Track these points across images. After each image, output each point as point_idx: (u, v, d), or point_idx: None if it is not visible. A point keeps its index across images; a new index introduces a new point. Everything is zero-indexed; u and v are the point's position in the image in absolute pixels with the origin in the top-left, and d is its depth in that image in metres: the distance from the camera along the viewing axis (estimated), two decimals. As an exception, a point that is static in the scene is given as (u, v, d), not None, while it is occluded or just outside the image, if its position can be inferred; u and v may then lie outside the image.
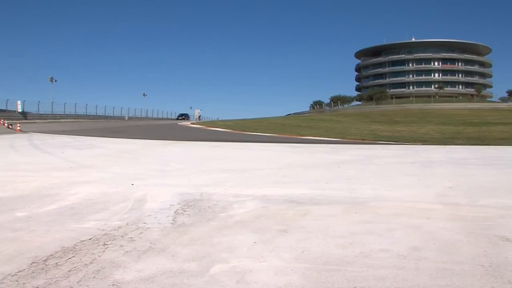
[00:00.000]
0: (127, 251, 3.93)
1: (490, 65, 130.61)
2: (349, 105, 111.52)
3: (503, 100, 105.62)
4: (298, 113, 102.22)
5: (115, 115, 77.59)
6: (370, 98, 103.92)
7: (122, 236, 4.39)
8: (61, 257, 3.76)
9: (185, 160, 12.00)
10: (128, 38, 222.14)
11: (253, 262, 3.68)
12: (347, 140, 23.36)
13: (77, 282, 3.24)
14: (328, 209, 5.71)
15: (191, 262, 3.67)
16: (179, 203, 5.96)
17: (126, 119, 75.84)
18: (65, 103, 65.25)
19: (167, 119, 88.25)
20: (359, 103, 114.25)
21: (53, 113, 61.08)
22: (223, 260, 3.73)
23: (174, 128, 36.37)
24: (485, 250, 3.85)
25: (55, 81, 71.65)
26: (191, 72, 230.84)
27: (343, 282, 3.22)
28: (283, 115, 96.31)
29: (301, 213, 5.47)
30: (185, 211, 5.55)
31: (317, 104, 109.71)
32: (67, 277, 3.33)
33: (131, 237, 4.36)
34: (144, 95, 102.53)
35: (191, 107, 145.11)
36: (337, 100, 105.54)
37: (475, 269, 3.41)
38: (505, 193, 6.85)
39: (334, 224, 4.94)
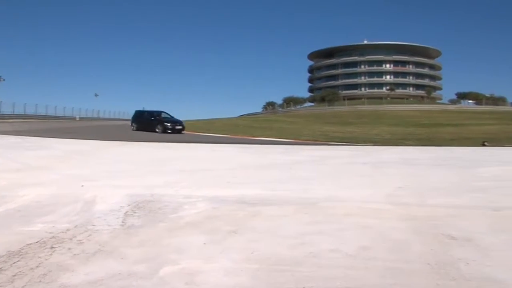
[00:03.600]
0: (75, 254, 3.86)
1: (440, 68, 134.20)
2: (302, 106, 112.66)
3: (452, 102, 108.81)
4: (251, 114, 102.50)
5: (66, 115, 75.97)
6: (322, 100, 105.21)
7: (71, 239, 4.30)
8: (5, 262, 3.65)
9: (137, 161, 11.85)
10: (78, 38, 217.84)
11: (203, 263, 3.66)
12: (300, 141, 23.53)
13: (22, 286, 3.15)
14: (279, 209, 5.72)
15: (140, 264, 3.63)
16: (129, 205, 5.87)
17: (77, 119, 74.21)
18: (14, 102, 63.47)
19: (120, 119, 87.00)
20: (312, 104, 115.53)
21: (1, 113, 59.04)
22: (173, 261, 3.70)
23: (127, 129, 35.84)
24: (432, 249, 3.95)
25: (3, 80, 69.65)
26: (143, 72, 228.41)
27: (292, 282, 3.24)
28: (236, 115, 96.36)
29: (252, 213, 5.47)
30: (135, 212, 5.48)
31: (270, 105, 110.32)
32: (12, 282, 3.24)
33: (79, 240, 4.27)
34: (96, 95, 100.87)
35: (143, 108, 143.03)
36: (290, 101, 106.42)
37: (422, 267, 3.49)
38: (453, 192, 7.06)
39: (284, 224, 4.96)
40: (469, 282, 3.18)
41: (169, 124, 33.01)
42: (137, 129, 34.44)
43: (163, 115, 35.67)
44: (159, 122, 33.67)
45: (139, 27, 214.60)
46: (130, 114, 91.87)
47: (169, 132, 31.78)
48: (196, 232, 4.63)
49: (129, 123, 39.39)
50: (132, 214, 5.38)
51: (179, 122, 34.15)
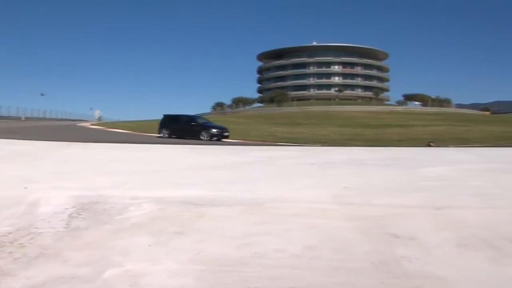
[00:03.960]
0: (16, 258, 3.73)
1: (387, 70, 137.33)
2: (251, 106, 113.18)
3: (399, 103, 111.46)
4: (200, 115, 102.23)
5: (11, 115, 73.60)
6: (271, 100, 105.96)
7: (12, 242, 4.16)
8: None
9: (83, 162, 11.60)
10: (23, 38, 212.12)
11: (148, 265, 3.61)
12: (248, 141, 23.63)
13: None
14: (226, 210, 5.71)
15: (84, 267, 3.55)
16: (74, 206, 5.73)
17: (23, 119, 72.07)
18: (-45, 102, 61.33)
19: (67, 120, 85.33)
20: (261, 105, 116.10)
21: None
22: (117, 264, 3.63)
23: (74, 130, 35.13)
24: (376, 248, 4.02)
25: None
26: (91, 72, 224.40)
27: (237, 283, 3.24)
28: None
29: (198, 214, 5.43)
30: (80, 214, 5.35)
31: (219, 106, 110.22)
32: None
33: (21, 243, 4.14)
34: (41, 94, 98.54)
35: (91, 108, 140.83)
36: (239, 102, 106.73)
37: (367, 266, 3.54)
38: (398, 192, 7.20)
39: (231, 225, 4.95)
40: (411, 280, 3.24)
41: (215, 131, 30.69)
42: (171, 136, 31.28)
43: (200, 120, 33.44)
44: (203, 128, 30.99)
45: (85, 27, 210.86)
46: (77, 114, 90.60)
47: (214, 140, 29.42)
48: (142, 233, 4.56)
49: (76, 123, 36.72)
50: (76, 216, 5.26)
51: (225, 129, 31.55)
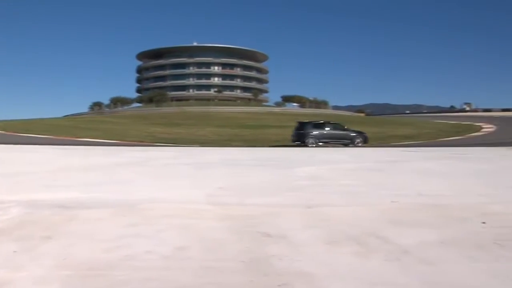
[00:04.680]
0: None
1: (266, 72, 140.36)
2: (130, 106, 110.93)
3: (278, 104, 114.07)
4: (77, 114, 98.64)
5: None
6: (150, 100, 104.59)
7: None
8: None
9: None
10: None
11: (12, 272, 3.38)
12: (126, 142, 23.18)
13: None
14: (98, 212, 5.54)
15: None
16: None
17: None
18: None
19: None
20: (140, 105, 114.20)
21: None
22: (-23, 274, 3.39)
23: None
24: (247, 247, 4.05)
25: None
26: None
27: (106, 287, 3.13)
28: (61, 116, 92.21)
29: (68, 218, 5.22)
30: None
31: (97, 105, 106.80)
32: None
33: None
34: None
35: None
36: (117, 102, 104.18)
37: (237, 265, 3.56)
38: (271, 192, 7.38)
39: (102, 228, 4.80)
40: (280, 277, 3.30)
41: (366, 135, 31.72)
42: (324, 143, 30.21)
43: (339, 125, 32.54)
44: (359, 134, 31.59)
45: None
46: None
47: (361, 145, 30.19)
48: (6, 239, 4.29)
49: None
50: None
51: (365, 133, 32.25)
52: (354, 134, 31.42)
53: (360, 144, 30.48)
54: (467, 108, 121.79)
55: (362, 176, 9.71)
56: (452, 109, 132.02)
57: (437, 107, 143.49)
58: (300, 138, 30.49)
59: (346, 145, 30.14)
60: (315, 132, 30.74)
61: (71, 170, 10.22)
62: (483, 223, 4.95)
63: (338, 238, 4.38)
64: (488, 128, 49.40)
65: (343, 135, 31.22)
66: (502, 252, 3.85)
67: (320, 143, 30.11)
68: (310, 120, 33.58)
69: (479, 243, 4.14)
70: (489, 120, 64.14)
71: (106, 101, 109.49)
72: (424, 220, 5.26)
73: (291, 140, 31.10)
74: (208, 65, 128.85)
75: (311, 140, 30.06)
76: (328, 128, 31.47)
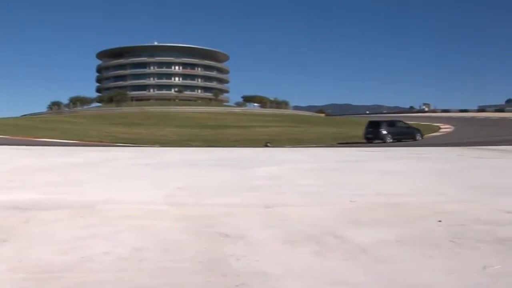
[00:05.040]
0: None
1: (227, 72, 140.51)
2: (89, 106, 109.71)
3: (238, 104, 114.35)
4: (35, 114, 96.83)
5: None
6: (110, 100, 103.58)
7: None
8: None
9: None
10: None
11: (-40, 279, 3.31)
12: (85, 142, 22.89)
13: None
14: (55, 214, 5.43)
15: None
16: None
17: None
18: None
19: None
20: (100, 104, 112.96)
21: None
22: None
23: None
24: (205, 247, 4.04)
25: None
26: None
27: (60, 290, 3.09)
28: (18, 115, 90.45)
29: (24, 219, 5.09)
30: None
31: (56, 105, 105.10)
32: None
33: None
34: None
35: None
36: (76, 101, 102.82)
37: (195, 266, 3.54)
38: (230, 192, 7.39)
39: (59, 229, 4.70)
40: (238, 277, 3.30)
41: (421, 131, 36.82)
42: (394, 139, 33.98)
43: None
44: (417, 130, 36.86)
45: None
46: None
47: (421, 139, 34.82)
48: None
49: None
50: None
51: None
52: (415, 130, 36.48)
53: (419, 139, 35.11)
54: (426, 109, 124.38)
55: (322, 176, 9.80)
56: (411, 109, 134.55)
57: (396, 107, 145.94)
58: (377, 136, 34.37)
59: (408, 140, 34.32)
60: (390, 130, 34.83)
61: (27, 171, 10.03)
62: (439, 221, 5.05)
63: (296, 238, 4.39)
64: (446, 128, 50.59)
65: (408, 131, 36.19)
66: (457, 250, 3.94)
67: (392, 140, 33.85)
68: (381, 120, 39.43)
69: (435, 241, 4.22)
70: (447, 120, 65.66)
71: (65, 100, 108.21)
72: (382, 219, 5.34)
73: (366, 139, 34.86)
74: (168, 64, 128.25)
75: (388, 137, 33.94)
76: (397, 126, 36.48)
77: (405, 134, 35.26)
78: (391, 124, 36.43)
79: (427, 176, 9.96)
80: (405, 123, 38.19)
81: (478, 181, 8.89)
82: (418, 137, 35.37)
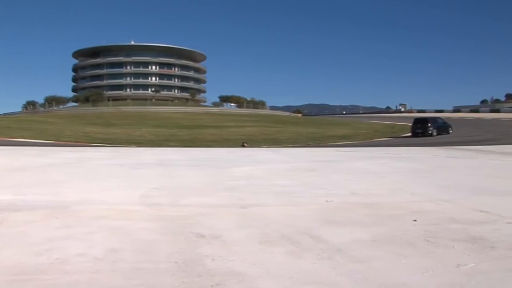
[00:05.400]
0: None
1: (204, 72, 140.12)
2: (65, 106, 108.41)
3: (215, 104, 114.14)
4: (9, 114, 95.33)
5: None
6: (87, 100, 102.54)
7: None
8: None
9: None
10: None
11: None
12: (61, 142, 22.64)
13: None
14: (28, 215, 5.37)
15: None
16: None
17: None
18: None
19: None
20: (76, 104, 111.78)
21: None
22: None
23: None
24: (180, 248, 4.03)
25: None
26: None
27: (34, 292, 3.05)
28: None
29: (-3, 220, 5.06)
30: None
31: (31, 104, 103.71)
32: None
33: None
34: None
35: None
36: (52, 101, 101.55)
37: (169, 266, 3.53)
38: (206, 192, 7.37)
39: (32, 230, 4.64)
40: (213, 277, 3.30)
41: (452, 126, 42.87)
42: (436, 134, 39.89)
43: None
44: (450, 126, 42.83)
45: None
46: None
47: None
48: None
49: None
50: None
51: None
52: (448, 126, 42.61)
53: (451, 132, 41.37)
54: (402, 109, 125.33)
55: (298, 176, 9.83)
56: (388, 109, 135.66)
57: (373, 107, 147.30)
58: (425, 131, 40.22)
59: (443, 134, 40.56)
60: (434, 126, 41.01)
61: (0, 171, 9.91)
62: (414, 220, 5.12)
63: (271, 238, 4.41)
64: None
65: (444, 126, 42.34)
66: (432, 249, 3.99)
67: (435, 134, 39.79)
68: (427, 117, 45.55)
69: (410, 240, 4.27)
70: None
71: (40, 100, 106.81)
72: (357, 218, 5.38)
73: (414, 133, 40.63)
74: (145, 64, 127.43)
75: (434, 132, 40.06)
76: (438, 122, 42.54)
77: (442, 129, 41.46)
78: (433, 120, 42.43)
79: (402, 176, 10.06)
80: (441, 119, 44.23)
81: (452, 181, 9.01)
82: (450, 131, 41.62)
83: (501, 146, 23.12)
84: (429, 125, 40.72)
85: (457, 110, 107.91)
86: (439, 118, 45.22)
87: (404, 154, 17.25)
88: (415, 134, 40.23)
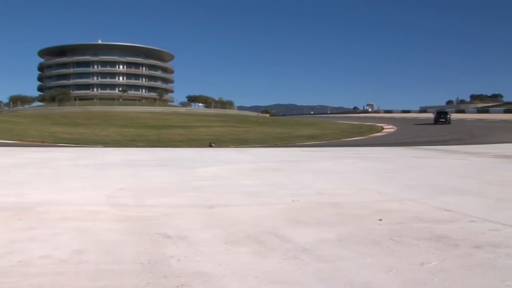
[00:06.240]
0: None
1: (172, 71, 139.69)
2: (31, 105, 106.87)
3: (183, 104, 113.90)
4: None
5: None
6: (52, 99, 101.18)
7: None
8: None
9: None
10: None
11: None
12: (26, 142, 22.27)
13: None
14: (-11, 217, 5.27)
15: None
16: None
17: None
18: None
19: None
20: (41, 104, 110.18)
21: None
22: None
23: None
24: (146, 248, 3.99)
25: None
26: None
27: (-7, 297, 2.98)
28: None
29: (-44, 223, 4.93)
30: None
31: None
32: None
33: None
34: None
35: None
36: (17, 100, 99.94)
37: (134, 267, 3.49)
38: (172, 192, 7.35)
39: (-7, 233, 4.56)
40: (178, 278, 3.27)
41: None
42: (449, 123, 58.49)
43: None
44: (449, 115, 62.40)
45: None
46: None
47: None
48: None
49: None
50: None
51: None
52: (449, 116, 60.62)
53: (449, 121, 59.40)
54: (370, 109, 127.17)
55: (264, 176, 9.85)
56: (355, 110, 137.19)
57: (341, 108, 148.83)
58: (446, 120, 58.83)
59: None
60: (450, 116, 60.59)
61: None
62: (380, 220, 5.17)
63: (237, 238, 4.41)
64: (389, 128, 51.76)
65: (449, 117, 59.93)
66: (396, 248, 4.04)
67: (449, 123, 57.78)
68: (445, 111, 68.75)
69: (375, 239, 4.32)
70: (390, 121, 67.33)
71: (5, 99, 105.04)
72: (323, 218, 5.41)
73: (438, 122, 58.09)
74: (113, 64, 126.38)
75: (450, 121, 58.86)
76: (449, 114, 62.46)
77: (448, 119, 59.19)
78: (446, 112, 63.15)
79: (368, 175, 10.16)
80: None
81: (417, 180, 9.14)
82: (449, 120, 59.52)
83: (465, 146, 23.63)
84: (448, 116, 60.16)
85: (423, 110, 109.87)
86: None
87: (371, 154, 17.42)
88: (438, 122, 57.94)
